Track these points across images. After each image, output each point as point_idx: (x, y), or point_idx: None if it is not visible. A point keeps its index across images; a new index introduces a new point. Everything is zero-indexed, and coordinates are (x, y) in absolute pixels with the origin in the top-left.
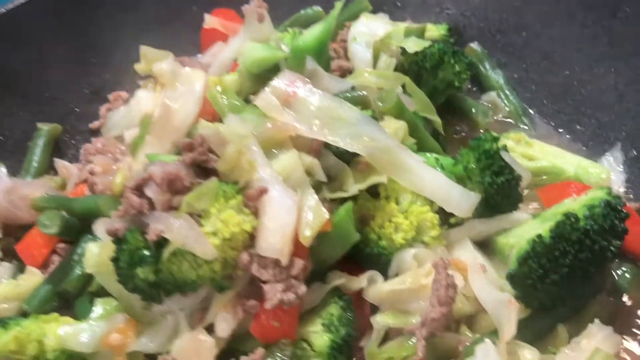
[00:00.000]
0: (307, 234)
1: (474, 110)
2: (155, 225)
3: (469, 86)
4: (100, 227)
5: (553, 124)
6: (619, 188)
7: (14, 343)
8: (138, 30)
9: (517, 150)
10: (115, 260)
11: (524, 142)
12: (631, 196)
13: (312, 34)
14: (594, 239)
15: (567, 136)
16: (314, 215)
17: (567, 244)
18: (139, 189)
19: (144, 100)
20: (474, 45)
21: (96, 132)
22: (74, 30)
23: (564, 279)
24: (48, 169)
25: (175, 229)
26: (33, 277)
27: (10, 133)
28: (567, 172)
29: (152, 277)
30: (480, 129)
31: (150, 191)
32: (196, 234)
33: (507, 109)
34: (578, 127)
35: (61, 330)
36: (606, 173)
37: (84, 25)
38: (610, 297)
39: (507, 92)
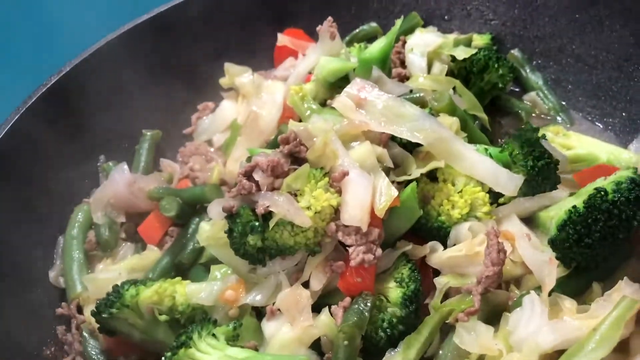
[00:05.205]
0: (381, 207)
1: (516, 108)
2: (263, 202)
3: (512, 87)
4: (214, 207)
5: (587, 118)
6: None
7: (155, 296)
8: (220, 50)
9: (556, 140)
10: (229, 231)
11: (562, 133)
12: None
13: (376, 47)
14: (620, 209)
15: (600, 127)
16: (385, 192)
17: (598, 213)
18: (248, 175)
19: (229, 109)
20: (515, 52)
21: (189, 137)
22: (166, 54)
23: (596, 242)
24: (153, 167)
25: (278, 204)
26: (153, 253)
27: (123, 138)
28: (601, 158)
29: (260, 244)
30: (522, 124)
31: (257, 176)
32: (294, 207)
33: (546, 107)
34: (609, 119)
35: (188, 288)
36: (635, 157)
37: (173, 49)
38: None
39: (546, 92)
